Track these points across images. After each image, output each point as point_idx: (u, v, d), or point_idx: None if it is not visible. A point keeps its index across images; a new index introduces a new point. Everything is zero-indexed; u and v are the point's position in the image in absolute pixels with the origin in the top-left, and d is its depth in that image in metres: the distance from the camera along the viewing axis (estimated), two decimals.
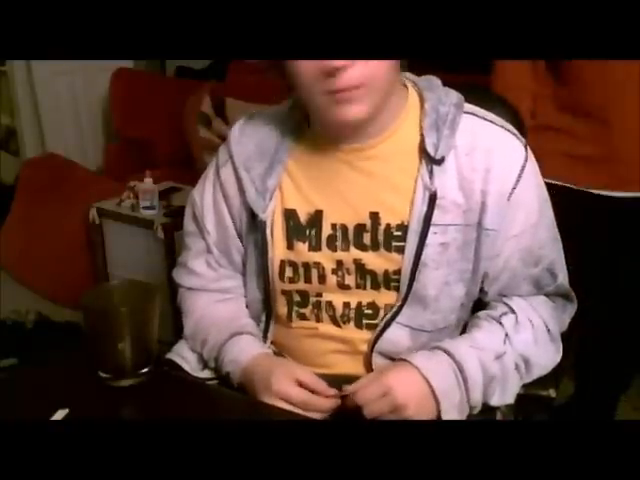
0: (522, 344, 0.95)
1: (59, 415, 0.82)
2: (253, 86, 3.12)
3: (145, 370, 0.90)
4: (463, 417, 0.91)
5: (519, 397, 0.96)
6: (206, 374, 1.03)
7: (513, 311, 0.97)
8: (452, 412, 0.89)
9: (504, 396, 0.94)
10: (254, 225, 0.98)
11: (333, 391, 0.91)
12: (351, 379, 0.95)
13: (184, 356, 1.05)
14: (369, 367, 0.99)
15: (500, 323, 0.95)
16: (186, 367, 1.03)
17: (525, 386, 0.97)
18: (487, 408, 0.94)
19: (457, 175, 0.91)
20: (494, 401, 0.93)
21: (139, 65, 3.49)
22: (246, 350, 0.98)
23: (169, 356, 1.05)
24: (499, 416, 0.99)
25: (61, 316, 2.32)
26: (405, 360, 0.92)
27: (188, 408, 0.87)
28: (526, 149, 0.94)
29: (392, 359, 0.98)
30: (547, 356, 0.98)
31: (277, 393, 0.90)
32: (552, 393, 1.04)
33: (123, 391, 0.89)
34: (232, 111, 2.99)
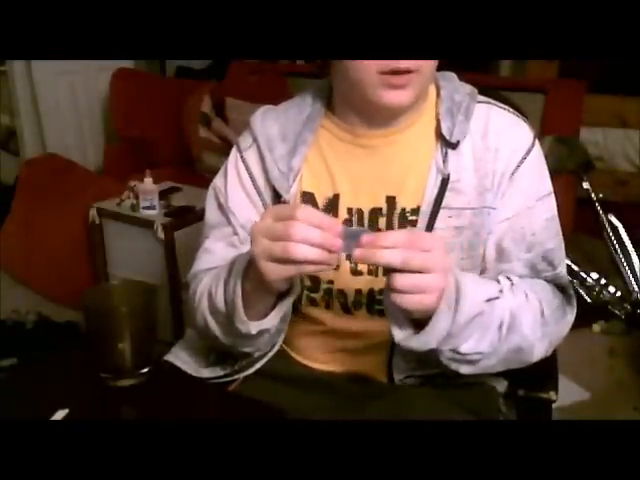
0: (512, 303, 0.89)
1: (59, 415, 0.82)
2: (253, 86, 3.13)
3: (145, 370, 0.90)
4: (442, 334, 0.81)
5: (519, 398, 0.96)
6: (204, 374, 1.02)
7: (512, 281, 0.92)
8: (443, 318, 0.79)
9: (477, 345, 0.86)
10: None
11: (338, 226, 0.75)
12: (360, 376, 0.94)
13: (182, 358, 1.04)
14: (382, 363, 0.97)
15: (497, 281, 0.91)
16: (184, 369, 1.02)
17: (526, 388, 0.96)
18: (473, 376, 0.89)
19: (473, 158, 0.93)
20: (466, 346, 0.85)
21: (139, 65, 3.50)
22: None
23: (167, 358, 1.05)
24: (499, 416, 0.99)
25: (61, 316, 2.32)
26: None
27: (188, 408, 0.87)
28: (534, 138, 0.96)
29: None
30: (532, 335, 0.91)
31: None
32: (553, 396, 1.04)
33: (123, 391, 0.89)
34: (232, 111, 3.00)
